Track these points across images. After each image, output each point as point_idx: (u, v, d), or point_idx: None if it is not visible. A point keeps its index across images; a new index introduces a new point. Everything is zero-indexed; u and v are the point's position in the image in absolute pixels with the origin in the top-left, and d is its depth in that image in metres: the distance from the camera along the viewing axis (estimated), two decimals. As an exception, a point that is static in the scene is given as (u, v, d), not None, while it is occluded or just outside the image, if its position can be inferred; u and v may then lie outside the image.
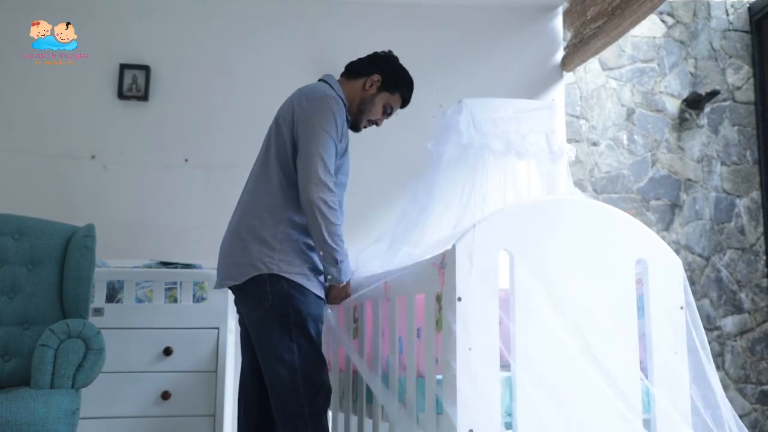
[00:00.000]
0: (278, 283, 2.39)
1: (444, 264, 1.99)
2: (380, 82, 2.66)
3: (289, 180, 2.47)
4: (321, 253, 2.42)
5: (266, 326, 2.42)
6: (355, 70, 2.70)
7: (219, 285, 2.56)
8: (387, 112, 2.72)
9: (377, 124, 2.75)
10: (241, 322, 2.63)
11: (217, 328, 3.24)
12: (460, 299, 1.91)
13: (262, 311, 2.41)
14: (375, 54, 2.74)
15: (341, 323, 2.82)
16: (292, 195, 2.46)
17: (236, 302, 2.60)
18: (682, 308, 2.12)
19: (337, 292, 2.57)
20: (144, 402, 3.14)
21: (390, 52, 2.76)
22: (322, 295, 2.51)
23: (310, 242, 2.47)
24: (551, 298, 1.97)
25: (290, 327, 2.39)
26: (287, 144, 2.48)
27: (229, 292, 2.99)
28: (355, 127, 2.71)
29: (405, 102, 2.74)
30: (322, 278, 2.52)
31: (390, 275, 2.46)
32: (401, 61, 2.76)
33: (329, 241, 2.39)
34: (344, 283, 2.53)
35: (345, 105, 2.58)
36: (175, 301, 3.30)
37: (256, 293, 2.42)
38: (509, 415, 1.93)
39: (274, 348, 2.39)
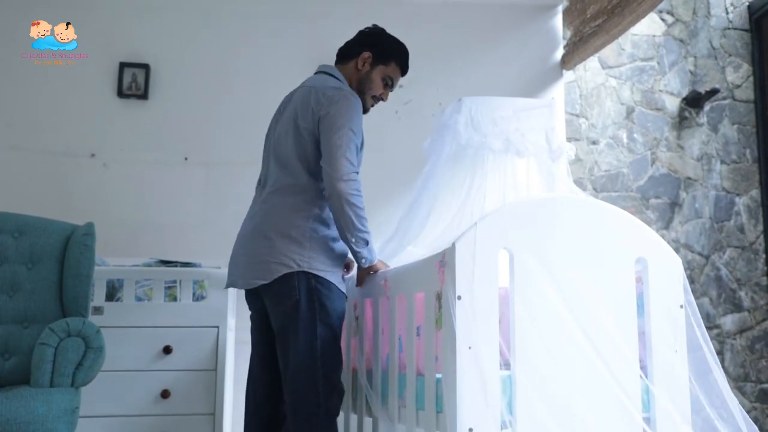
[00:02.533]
0: (306, 279, 2.41)
1: (444, 262, 1.99)
2: (371, 57, 2.67)
3: (312, 177, 2.49)
4: (353, 240, 2.43)
5: (291, 321, 2.41)
6: (346, 53, 2.72)
7: (245, 285, 2.53)
8: (388, 84, 2.73)
9: (383, 99, 2.75)
10: (254, 318, 2.62)
11: (217, 327, 3.23)
12: (460, 298, 1.91)
13: (288, 306, 2.41)
14: (360, 32, 2.76)
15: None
16: (316, 192, 2.49)
17: (253, 298, 2.58)
18: (681, 307, 2.12)
19: (370, 270, 2.60)
20: (144, 401, 3.13)
21: (375, 25, 2.77)
22: (344, 290, 2.53)
23: (334, 234, 2.50)
24: (551, 296, 1.97)
25: (315, 323, 2.40)
26: (308, 142, 2.49)
27: (230, 290, 2.96)
28: (363, 108, 2.71)
29: (404, 69, 2.75)
30: (343, 271, 2.56)
31: (390, 273, 2.47)
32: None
33: (359, 225, 2.41)
34: (376, 262, 2.55)
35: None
36: (175, 299, 3.29)
37: (284, 289, 2.42)
38: (509, 413, 1.93)
39: (298, 343, 2.39)
